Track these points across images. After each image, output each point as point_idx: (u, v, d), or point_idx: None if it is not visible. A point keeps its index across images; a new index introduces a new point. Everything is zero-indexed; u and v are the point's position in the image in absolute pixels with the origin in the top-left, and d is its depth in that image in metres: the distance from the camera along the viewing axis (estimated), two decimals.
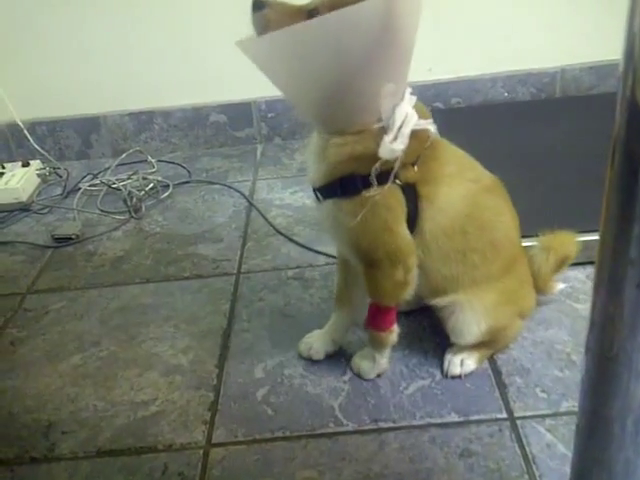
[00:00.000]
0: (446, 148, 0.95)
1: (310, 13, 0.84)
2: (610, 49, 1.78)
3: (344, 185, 0.89)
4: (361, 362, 1.05)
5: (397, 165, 0.86)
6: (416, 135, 0.87)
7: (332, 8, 0.83)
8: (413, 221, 0.91)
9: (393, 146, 0.85)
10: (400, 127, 0.85)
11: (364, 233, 0.91)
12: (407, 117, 0.86)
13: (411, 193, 0.90)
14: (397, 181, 0.88)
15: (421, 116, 0.89)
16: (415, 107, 0.89)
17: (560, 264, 1.09)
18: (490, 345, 1.03)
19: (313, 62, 0.82)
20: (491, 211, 0.97)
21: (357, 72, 0.82)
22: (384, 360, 1.04)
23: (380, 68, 0.83)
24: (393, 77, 0.85)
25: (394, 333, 1.01)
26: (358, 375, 1.05)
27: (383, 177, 0.87)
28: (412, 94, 0.89)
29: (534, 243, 1.09)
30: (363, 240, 0.92)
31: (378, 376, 1.04)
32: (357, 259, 0.96)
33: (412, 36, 0.85)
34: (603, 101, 1.76)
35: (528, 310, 1.06)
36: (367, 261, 0.95)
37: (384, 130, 0.86)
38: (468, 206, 0.93)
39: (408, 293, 0.97)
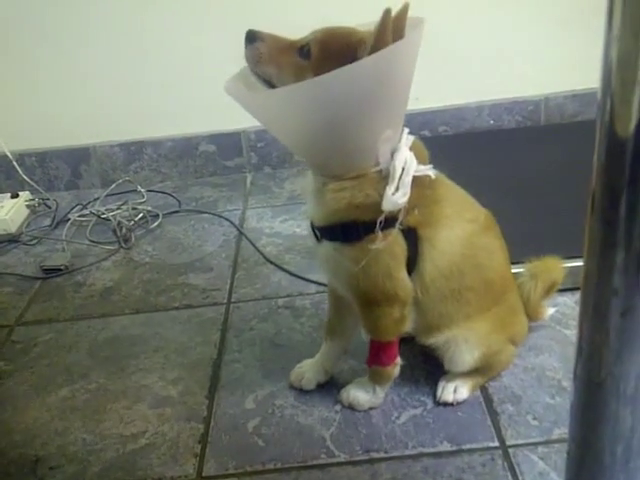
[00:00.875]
0: (446, 188, 0.94)
1: (301, 49, 0.85)
2: (593, 77, 1.78)
3: (346, 231, 0.89)
4: (357, 393, 1.03)
5: (402, 215, 0.86)
6: (418, 180, 0.87)
7: (323, 45, 0.83)
8: (412, 262, 0.91)
9: (396, 198, 0.84)
10: (401, 176, 0.85)
11: (365, 278, 0.90)
12: (407, 164, 0.85)
13: (412, 236, 0.90)
14: (399, 226, 0.88)
15: (419, 156, 0.88)
16: (413, 146, 0.89)
17: (548, 290, 1.09)
18: (484, 372, 1.03)
19: (306, 118, 0.82)
20: (486, 250, 0.97)
21: (352, 123, 0.82)
22: (383, 394, 1.03)
23: (376, 117, 0.83)
24: (389, 124, 0.85)
25: (397, 366, 1.01)
26: (350, 406, 1.04)
27: (386, 224, 0.86)
28: (409, 133, 0.89)
29: (520, 269, 1.10)
30: (363, 283, 0.91)
31: (370, 409, 1.04)
32: (354, 298, 0.96)
33: (408, 85, 0.85)
34: (587, 128, 1.77)
35: (520, 336, 1.07)
36: (364, 301, 0.95)
37: (382, 174, 0.86)
38: (465, 247, 0.93)
39: (406, 326, 0.97)
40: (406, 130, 0.89)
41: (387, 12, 0.78)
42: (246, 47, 0.86)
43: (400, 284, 0.91)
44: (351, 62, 0.78)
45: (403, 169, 0.85)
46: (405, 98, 0.87)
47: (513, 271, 1.07)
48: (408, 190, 0.85)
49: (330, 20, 0.87)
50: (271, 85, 0.87)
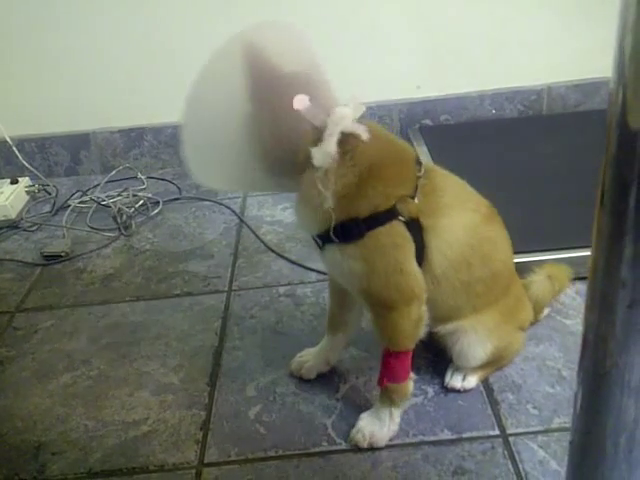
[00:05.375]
0: (442, 178, 0.93)
1: None
2: (595, 67, 1.81)
3: (345, 230, 0.86)
4: (373, 428, 0.95)
5: (332, 178, 0.84)
6: (401, 162, 0.88)
7: None
8: (420, 254, 0.89)
9: (323, 148, 0.82)
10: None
11: (374, 276, 0.86)
12: (341, 118, 0.83)
13: (415, 227, 0.87)
14: (400, 217, 0.86)
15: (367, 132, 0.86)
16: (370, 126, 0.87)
17: (557, 293, 1.12)
18: (495, 363, 1.03)
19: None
20: (491, 242, 0.95)
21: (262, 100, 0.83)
22: (399, 417, 0.96)
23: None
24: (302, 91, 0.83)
25: (412, 380, 0.96)
26: (370, 446, 0.95)
27: (385, 216, 0.85)
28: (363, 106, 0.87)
29: (524, 260, 1.11)
30: (374, 283, 0.87)
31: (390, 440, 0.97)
32: (367, 304, 0.92)
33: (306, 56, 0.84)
34: (588, 118, 1.79)
35: (527, 322, 1.07)
36: (380, 304, 0.90)
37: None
38: (471, 237, 0.91)
39: (423, 328, 0.93)
40: (356, 100, 0.86)
41: None
42: None
43: (412, 277, 0.88)
44: None
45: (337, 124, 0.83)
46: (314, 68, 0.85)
47: (515, 261, 1.07)
48: (334, 140, 0.82)
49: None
50: None
